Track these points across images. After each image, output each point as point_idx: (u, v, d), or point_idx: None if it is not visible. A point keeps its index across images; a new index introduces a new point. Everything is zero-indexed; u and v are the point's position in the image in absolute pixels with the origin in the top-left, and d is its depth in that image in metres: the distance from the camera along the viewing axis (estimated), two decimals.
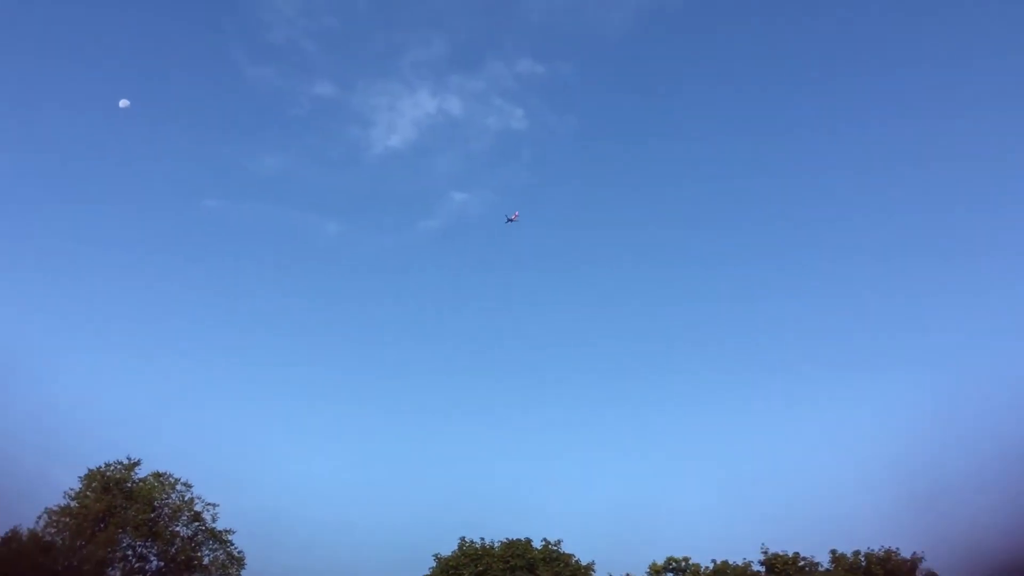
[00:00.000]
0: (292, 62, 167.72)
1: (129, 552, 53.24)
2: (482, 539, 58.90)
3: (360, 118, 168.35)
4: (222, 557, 54.98)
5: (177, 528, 54.50)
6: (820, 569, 56.45)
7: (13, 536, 51.17)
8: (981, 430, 79.49)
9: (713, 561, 57.69)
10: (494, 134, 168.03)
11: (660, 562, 58.67)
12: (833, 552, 56.87)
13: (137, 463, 54.62)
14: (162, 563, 53.79)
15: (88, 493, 52.61)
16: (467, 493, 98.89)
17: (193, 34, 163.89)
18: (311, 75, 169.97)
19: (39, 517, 52.24)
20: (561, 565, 57.01)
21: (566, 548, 58.36)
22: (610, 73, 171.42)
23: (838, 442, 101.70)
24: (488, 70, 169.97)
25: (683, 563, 58.38)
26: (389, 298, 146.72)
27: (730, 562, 57.37)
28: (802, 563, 56.70)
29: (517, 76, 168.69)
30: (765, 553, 57.06)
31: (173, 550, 53.77)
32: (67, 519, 51.80)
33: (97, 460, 55.26)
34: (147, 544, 53.51)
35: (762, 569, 57.11)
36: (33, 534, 51.36)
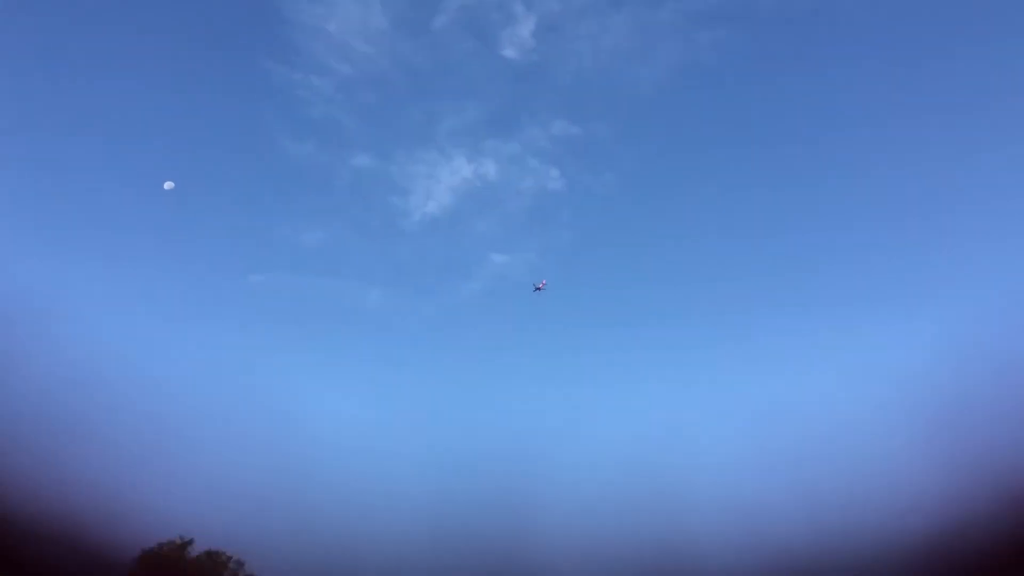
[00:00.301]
0: (331, 136, 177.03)
1: None
2: None
3: (399, 187, 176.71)
4: None
5: None
6: None
7: None
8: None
9: None
10: (531, 195, 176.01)
11: None
12: None
13: (190, 542, 56.12)
14: None
15: None
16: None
17: (235, 115, 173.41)
18: (350, 148, 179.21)
19: None
20: None
21: None
22: (645, 130, 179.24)
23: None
24: (523, 133, 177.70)
25: None
26: (431, 363, 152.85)
27: None
28: None
29: (552, 138, 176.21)
30: None
31: None
32: None
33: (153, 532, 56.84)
34: None
35: None
36: None
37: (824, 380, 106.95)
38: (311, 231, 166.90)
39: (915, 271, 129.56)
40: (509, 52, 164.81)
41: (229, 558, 56.93)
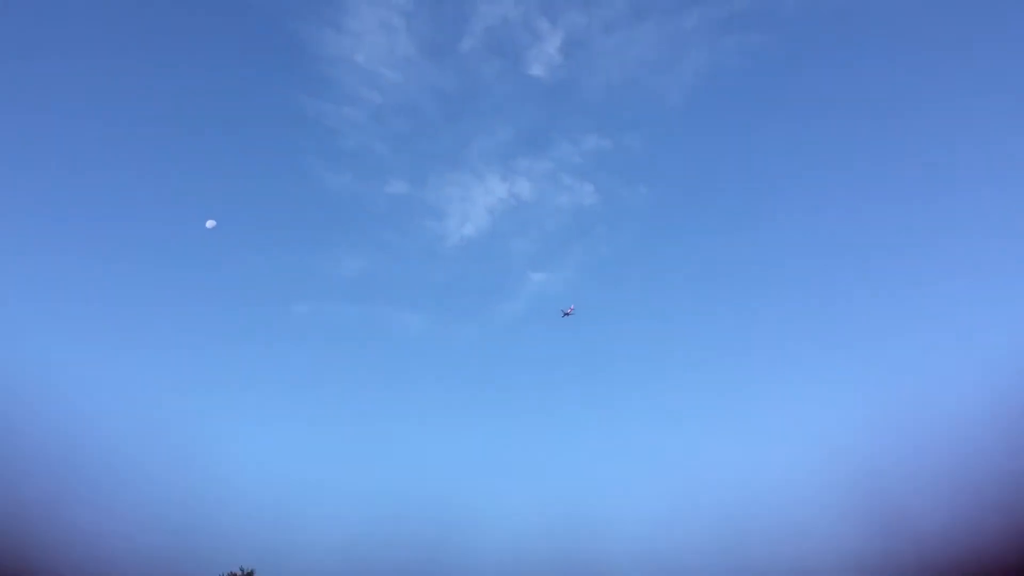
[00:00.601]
0: (366, 165, 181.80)
1: None
2: None
3: (435, 211, 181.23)
4: None
5: None
6: None
7: None
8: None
9: None
10: (567, 212, 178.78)
11: None
12: None
13: (250, 573, 67.93)
14: None
15: None
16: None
17: (272, 150, 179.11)
18: (384, 176, 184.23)
19: None
20: None
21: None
22: (676, 139, 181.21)
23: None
24: (555, 150, 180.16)
25: None
26: (475, 383, 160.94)
27: None
28: None
29: (584, 153, 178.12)
30: None
31: None
32: None
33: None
34: None
35: None
36: None
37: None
38: (350, 260, 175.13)
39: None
40: (536, 70, 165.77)
41: None
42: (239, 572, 66.24)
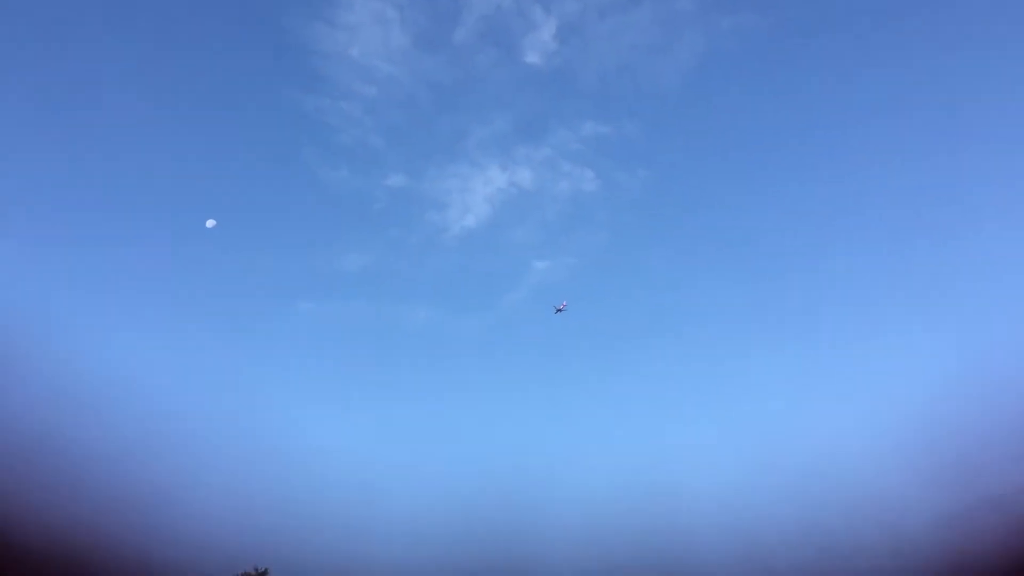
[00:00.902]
0: (364, 160, 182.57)
1: None
2: None
3: (435, 203, 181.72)
4: None
5: None
6: None
7: None
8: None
9: None
10: (567, 199, 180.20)
11: None
12: None
13: (264, 572, 61.79)
14: None
15: None
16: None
17: (270, 147, 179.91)
18: (383, 169, 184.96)
19: None
20: None
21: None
22: (674, 123, 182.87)
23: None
24: (553, 137, 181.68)
25: None
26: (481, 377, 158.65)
27: None
28: None
29: (582, 139, 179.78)
30: None
31: None
32: None
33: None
34: None
35: None
36: None
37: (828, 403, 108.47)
38: (353, 255, 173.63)
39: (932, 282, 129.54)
40: (532, 58, 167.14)
41: None
42: (253, 572, 60.36)
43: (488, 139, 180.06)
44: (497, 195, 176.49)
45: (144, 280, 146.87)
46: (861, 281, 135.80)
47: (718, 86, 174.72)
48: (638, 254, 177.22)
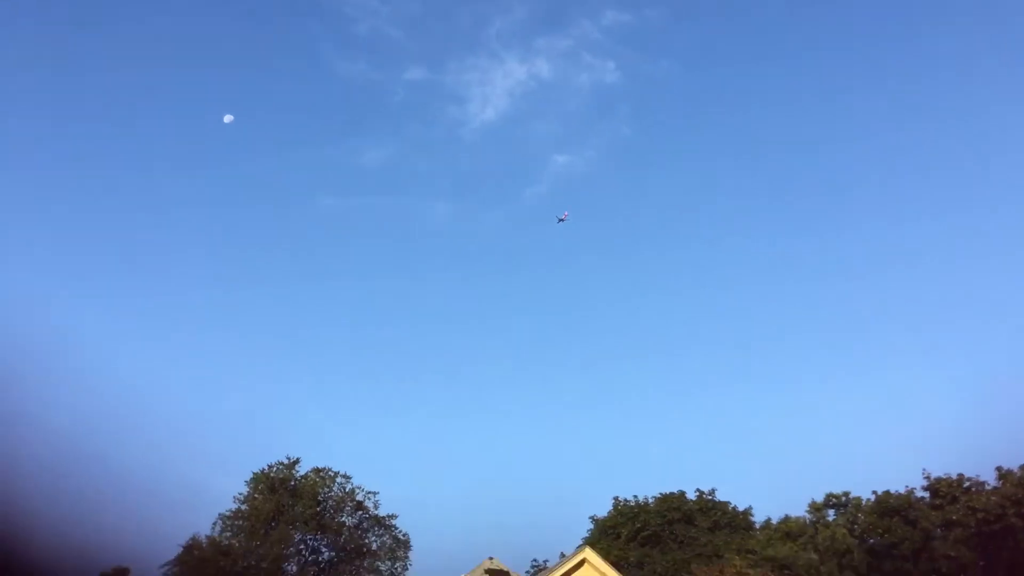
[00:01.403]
0: (381, 52, 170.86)
1: (302, 546, 55.27)
2: (635, 496, 59.23)
3: (454, 96, 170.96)
4: (389, 541, 56.64)
5: (343, 519, 56.18)
6: (987, 488, 54.82)
7: (194, 544, 53.42)
8: None
9: (874, 492, 56.70)
10: (588, 91, 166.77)
11: (819, 500, 58.03)
12: (999, 469, 55.11)
13: (297, 461, 56.23)
14: (333, 553, 55.76)
15: (256, 495, 54.40)
16: None
17: (282, 40, 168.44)
18: (401, 62, 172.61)
19: (214, 523, 54.34)
20: (719, 513, 56.95)
21: (720, 496, 58.32)
22: (698, 9, 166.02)
23: None
24: (574, 27, 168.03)
25: (843, 498, 57.58)
26: (504, 275, 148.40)
27: (892, 491, 56.22)
28: (967, 484, 55.18)
29: (604, 29, 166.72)
30: (928, 479, 55.70)
31: (342, 540, 55.64)
32: (240, 522, 53.75)
33: (250, 464, 57.37)
34: (317, 537, 55.42)
35: (926, 495, 55.86)
36: (212, 540, 53.51)
37: None
38: (372, 149, 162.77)
39: None
40: None
41: (337, 473, 57.00)
42: (287, 460, 54.06)
43: (507, 30, 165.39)
44: (517, 88, 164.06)
45: (159, 183, 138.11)
46: None
47: None
48: (663, 147, 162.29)
